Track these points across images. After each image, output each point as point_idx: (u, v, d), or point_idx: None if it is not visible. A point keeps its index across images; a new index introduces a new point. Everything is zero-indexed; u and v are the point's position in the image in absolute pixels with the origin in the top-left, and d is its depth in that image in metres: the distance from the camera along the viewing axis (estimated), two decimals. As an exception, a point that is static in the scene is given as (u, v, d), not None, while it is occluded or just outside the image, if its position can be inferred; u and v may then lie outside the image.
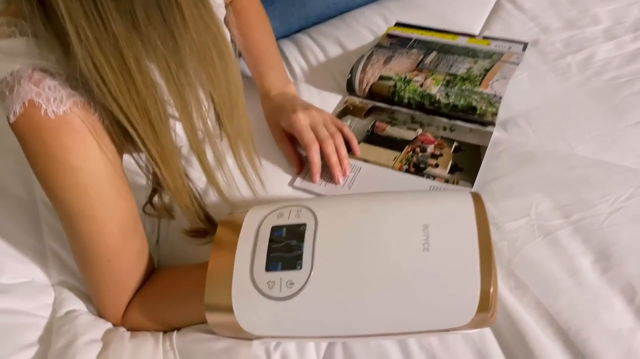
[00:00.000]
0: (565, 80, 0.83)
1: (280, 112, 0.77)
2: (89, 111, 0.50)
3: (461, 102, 0.78)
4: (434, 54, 0.88)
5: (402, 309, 0.50)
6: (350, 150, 0.76)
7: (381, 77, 0.85)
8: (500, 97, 0.77)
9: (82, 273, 0.60)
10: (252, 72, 0.86)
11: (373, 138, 0.79)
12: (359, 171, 0.75)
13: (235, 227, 0.55)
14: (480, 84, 0.80)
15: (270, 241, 0.53)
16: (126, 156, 0.58)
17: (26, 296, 0.61)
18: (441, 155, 0.75)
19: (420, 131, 0.79)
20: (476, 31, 0.97)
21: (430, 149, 0.76)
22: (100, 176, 0.52)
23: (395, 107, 0.84)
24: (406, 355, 0.55)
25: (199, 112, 0.51)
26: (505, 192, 0.68)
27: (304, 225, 0.54)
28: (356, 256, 0.51)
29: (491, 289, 0.48)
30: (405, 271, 0.50)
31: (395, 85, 0.83)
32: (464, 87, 0.80)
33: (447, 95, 0.79)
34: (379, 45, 0.92)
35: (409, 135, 0.79)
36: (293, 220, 0.54)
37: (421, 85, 0.82)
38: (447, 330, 0.50)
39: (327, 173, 0.74)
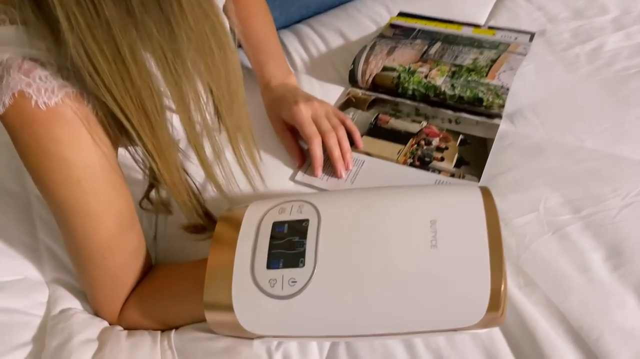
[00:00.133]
0: (574, 71, 0.81)
1: (281, 103, 0.75)
2: (81, 102, 0.48)
3: (467, 94, 0.76)
4: (438, 44, 0.86)
5: (408, 308, 0.48)
6: (353, 143, 0.74)
7: (384, 68, 0.82)
8: (508, 89, 0.75)
9: (76, 270, 0.58)
10: (251, 62, 0.85)
11: (376, 131, 0.78)
12: (361, 164, 0.73)
13: (235, 223, 0.54)
14: (486, 75, 0.77)
15: (272, 237, 0.51)
16: (121, 150, 0.56)
17: (19, 294, 0.59)
18: (447, 148, 0.73)
19: (424, 123, 0.77)
20: (481, 21, 0.95)
21: (435, 142, 0.74)
22: (95, 170, 0.50)
23: (399, 99, 0.82)
24: (412, 355, 0.53)
25: (197, 105, 0.49)
26: (513, 187, 0.66)
27: (307, 221, 0.52)
28: (361, 253, 0.50)
29: (502, 288, 0.46)
30: (412, 269, 0.48)
31: (399, 77, 0.81)
32: (470, 78, 0.78)
33: (453, 86, 0.77)
34: (381, 36, 0.90)
35: (414, 128, 0.77)
36: (295, 216, 0.53)
37: (426, 77, 0.79)
38: (455, 330, 0.49)
39: (329, 167, 0.72)
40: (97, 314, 0.60)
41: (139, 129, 0.48)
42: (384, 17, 0.97)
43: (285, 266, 0.49)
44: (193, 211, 0.57)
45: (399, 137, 0.76)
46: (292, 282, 0.49)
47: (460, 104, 0.77)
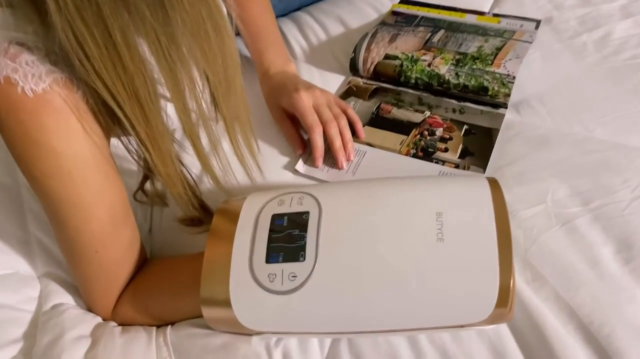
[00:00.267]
0: (581, 59, 0.79)
1: (281, 91, 0.73)
2: (71, 89, 0.46)
3: (472, 83, 0.74)
4: (441, 32, 0.84)
5: (413, 304, 0.46)
6: (354, 133, 0.72)
7: (386, 57, 0.80)
8: (514, 77, 0.73)
9: (68, 264, 0.57)
10: (250, 50, 0.83)
11: (378, 121, 0.76)
12: (363, 155, 0.71)
13: (232, 216, 0.52)
14: (492, 63, 0.75)
15: (271, 230, 0.50)
16: (114, 140, 0.54)
17: (9, 288, 0.58)
18: (451, 139, 0.71)
19: (428, 113, 0.75)
20: (485, 8, 0.92)
21: (439, 132, 0.72)
22: (86, 160, 0.48)
23: (401, 88, 0.80)
24: (416, 352, 0.52)
25: (192, 92, 0.47)
26: (520, 178, 0.64)
27: (307, 213, 0.50)
28: (364, 246, 0.48)
29: (511, 283, 0.44)
30: (417, 263, 0.46)
31: (401, 65, 0.79)
32: (474, 66, 0.75)
33: (457, 75, 0.75)
34: (383, 23, 0.88)
35: (417, 117, 0.75)
36: (295, 208, 0.51)
37: (429, 65, 0.77)
38: (461, 326, 0.47)
39: (330, 158, 0.70)
40: (90, 309, 0.58)
41: (131, 118, 0.46)
42: (385, 4, 0.95)
43: (285, 260, 0.48)
44: (189, 204, 0.55)
45: (401, 127, 0.74)
46: (292, 277, 0.47)
47: (464, 93, 0.75)
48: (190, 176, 0.56)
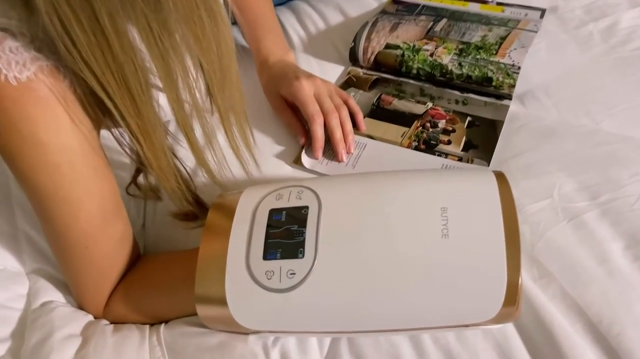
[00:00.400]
0: (588, 49, 0.77)
1: (280, 79, 0.71)
2: (57, 77, 0.44)
3: (476, 73, 0.72)
4: (444, 21, 0.81)
5: (417, 302, 0.44)
6: (355, 125, 0.70)
7: (387, 46, 0.78)
8: (519, 67, 0.71)
9: (58, 260, 0.55)
10: (247, 38, 0.80)
11: (379, 112, 0.73)
12: (364, 148, 0.69)
13: (228, 211, 0.50)
14: (496, 53, 0.73)
15: (268, 226, 0.48)
16: (106, 132, 0.52)
17: (-3, 286, 0.56)
18: (454, 131, 0.69)
19: (430, 104, 0.73)
20: (489, -3, 0.90)
21: (441, 124, 0.70)
22: (74, 153, 0.46)
23: (402, 79, 0.78)
24: (419, 352, 0.50)
25: (185, 81, 0.45)
26: (525, 172, 0.62)
27: (306, 208, 0.48)
28: (365, 242, 0.46)
29: (519, 281, 0.42)
30: (421, 260, 0.44)
31: (403, 55, 0.77)
32: (478, 56, 0.73)
33: (460, 65, 0.73)
34: (384, 12, 0.85)
35: (418, 109, 0.73)
36: (293, 202, 0.49)
37: (431, 55, 0.75)
38: (467, 326, 0.45)
39: (330, 150, 0.68)
40: (81, 307, 0.56)
41: (122, 109, 0.44)
42: (386, -8, 0.92)
43: (283, 256, 0.46)
44: (183, 198, 0.54)
45: (403, 119, 0.72)
46: (291, 274, 0.45)
47: (467, 84, 0.73)
48: (184, 169, 0.54)
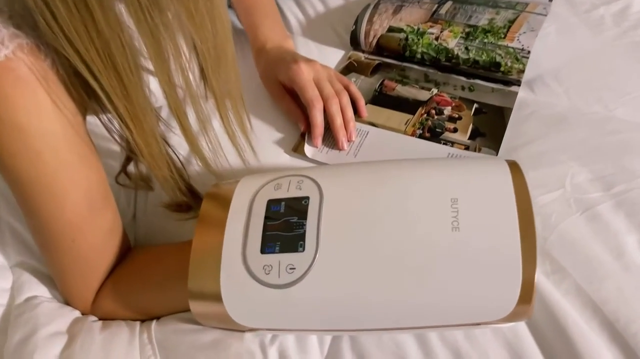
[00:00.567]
0: (599, 33, 0.74)
1: (278, 65, 0.69)
2: (38, 56, 0.41)
3: (483, 58, 0.69)
4: (449, 3, 0.78)
5: (425, 300, 0.42)
6: (356, 112, 0.68)
7: (390, 29, 0.75)
8: (529, 52, 0.68)
9: (42, 253, 0.52)
10: (243, 23, 0.78)
11: (381, 99, 0.71)
12: (365, 136, 0.66)
13: (223, 201, 0.48)
14: (505, 36, 0.70)
15: (266, 217, 0.46)
16: (93, 118, 0.49)
17: (-22, 280, 0.53)
18: (460, 118, 0.66)
19: (435, 90, 0.70)
20: (495, -20, 0.87)
21: (447, 111, 0.67)
22: (57, 138, 0.44)
23: (406, 64, 0.75)
24: (426, 351, 0.48)
25: (178, 61, 0.42)
26: (536, 161, 0.60)
27: (307, 199, 0.46)
28: (369, 236, 0.43)
29: (535, 277, 0.40)
30: (429, 255, 0.42)
31: (406, 38, 0.74)
32: (486, 40, 0.70)
33: (467, 49, 0.70)
34: (386, -6, 0.82)
35: (423, 95, 0.70)
36: (293, 193, 0.47)
37: (437, 39, 0.72)
38: (477, 324, 0.43)
39: (330, 138, 0.65)
40: (67, 303, 0.54)
41: (108, 90, 0.41)
42: (388, -26, 0.89)
43: (282, 250, 0.44)
44: (175, 188, 0.52)
45: (406, 105, 0.69)
46: (290, 269, 0.43)
47: (474, 69, 0.70)
48: (177, 157, 0.52)
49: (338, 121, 0.64)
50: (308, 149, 0.65)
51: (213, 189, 0.50)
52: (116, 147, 0.52)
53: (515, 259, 0.40)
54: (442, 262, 0.42)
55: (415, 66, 0.74)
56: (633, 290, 0.49)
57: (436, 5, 0.78)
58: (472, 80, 0.71)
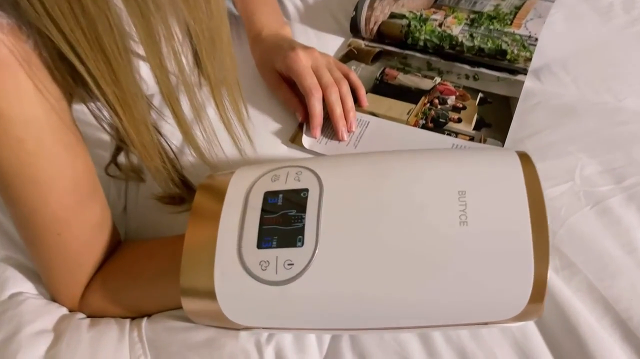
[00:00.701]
0: (608, 21, 0.72)
1: (275, 53, 0.67)
2: (19, 37, 0.38)
3: (488, 45, 0.67)
4: (453, -11, 0.76)
5: (431, 298, 0.40)
6: (356, 101, 0.66)
7: (392, 15, 0.73)
8: (536, 39, 0.66)
9: (27, 247, 0.50)
10: (239, 10, 0.76)
11: (382, 88, 0.69)
12: (366, 126, 0.64)
13: (218, 193, 0.46)
14: (511, 23, 0.68)
15: (263, 210, 0.44)
16: (80, 106, 0.47)
17: (-40, 275, 0.51)
18: (464, 108, 0.64)
19: (438, 79, 0.68)
20: (499, -34, 0.84)
21: (450, 100, 0.65)
22: (40, 126, 0.41)
23: (408, 52, 0.73)
24: (430, 351, 0.46)
25: (170, 44, 0.40)
26: (543, 153, 0.58)
27: (306, 191, 0.44)
28: (372, 230, 0.41)
29: (548, 274, 0.38)
30: (435, 250, 0.40)
31: (408, 25, 0.72)
32: (491, 27, 0.68)
33: (472, 36, 0.68)
34: (388, -21, 0.80)
35: (426, 84, 0.68)
36: (292, 184, 0.45)
37: (440, 25, 0.70)
38: (485, 323, 0.41)
39: (329, 128, 0.63)
40: (54, 299, 0.52)
41: (96, 74, 0.39)
42: (390, -40, 0.87)
43: (280, 245, 0.42)
44: (168, 179, 0.50)
45: (408, 95, 0.67)
46: (289, 264, 0.41)
47: (479, 57, 0.69)
48: (170, 146, 0.50)
49: (337, 110, 0.62)
50: (306, 140, 0.62)
51: (207, 181, 0.48)
52: (105, 136, 0.51)
53: (527, 255, 0.38)
54: (449, 259, 0.40)
55: (418, 54, 0.72)
56: (646, 287, 0.47)
57: (439, -9, 0.76)
58: (476, 69, 0.69)
